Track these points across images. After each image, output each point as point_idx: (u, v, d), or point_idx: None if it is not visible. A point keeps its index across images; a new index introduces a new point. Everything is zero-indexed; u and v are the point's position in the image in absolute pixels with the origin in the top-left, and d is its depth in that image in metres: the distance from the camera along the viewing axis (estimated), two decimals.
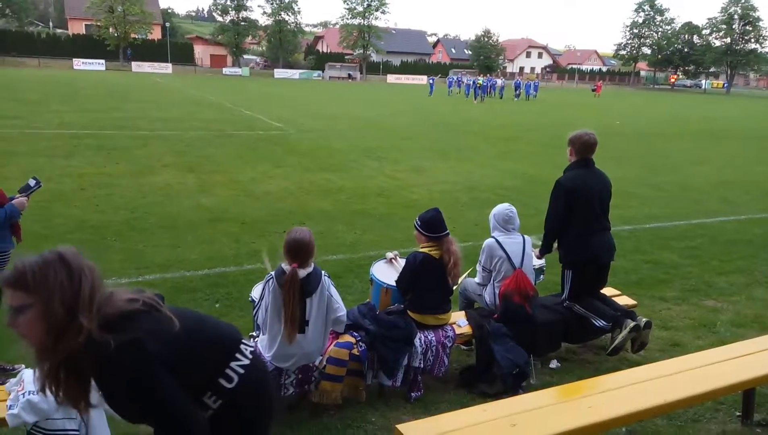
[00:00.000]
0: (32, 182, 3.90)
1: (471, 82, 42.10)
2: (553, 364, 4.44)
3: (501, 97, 44.00)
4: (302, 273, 3.42)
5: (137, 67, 59.55)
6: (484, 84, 40.64)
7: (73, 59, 58.20)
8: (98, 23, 63.37)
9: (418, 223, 4.12)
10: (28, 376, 3.11)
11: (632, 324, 4.23)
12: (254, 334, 3.97)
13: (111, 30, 62.77)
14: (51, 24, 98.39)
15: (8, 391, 3.14)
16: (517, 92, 42.84)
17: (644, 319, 4.30)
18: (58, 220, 7.55)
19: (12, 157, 11.34)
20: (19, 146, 12.59)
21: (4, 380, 3.51)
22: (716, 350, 3.77)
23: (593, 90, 55.27)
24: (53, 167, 10.71)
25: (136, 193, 9.18)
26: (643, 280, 6.34)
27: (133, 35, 64.01)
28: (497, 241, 4.36)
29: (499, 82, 48.80)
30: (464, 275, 4.57)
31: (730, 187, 12.14)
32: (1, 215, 3.67)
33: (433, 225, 4.06)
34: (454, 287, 4.21)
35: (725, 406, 3.93)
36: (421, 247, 4.09)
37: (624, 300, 4.93)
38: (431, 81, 46.63)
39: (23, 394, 2.99)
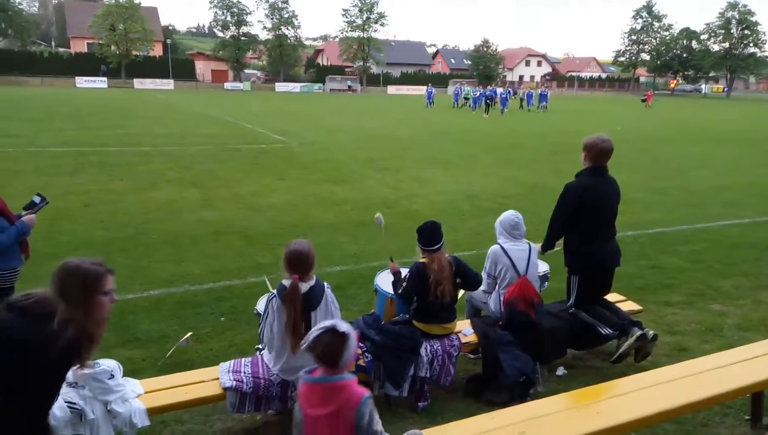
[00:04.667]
0: (37, 199, 3.91)
1: (477, 93, 40.17)
2: (560, 371, 4.43)
3: (521, 108, 41.32)
4: (305, 287, 3.43)
5: (139, 84, 59.97)
6: (503, 95, 37.36)
7: (76, 77, 58.70)
8: (100, 41, 63.99)
9: (416, 234, 4.15)
10: None
11: (638, 333, 4.22)
12: (260, 346, 3.97)
13: (113, 48, 63.34)
14: (53, 43, 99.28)
15: None
16: (530, 102, 40.96)
17: (651, 332, 4.28)
18: (64, 237, 7.58)
19: (16, 175, 11.41)
20: (24, 165, 12.67)
21: None
22: (723, 354, 3.76)
23: (643, 100, 49.23)
24: (58, 185, 10.78)
25: (140, 209, 9.22)
26: (647, 286, 6.33)
27: (134, 52, 64.57)
28: (502, 247, 4.37)
29: (521, 92, 45.82)
30: (460, 294, 4.50)
31: (733, 190, 12.13)
32: (13, 233, 3.69)
33: (426, 237, 4.09)
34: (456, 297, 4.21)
35: (734, 410, 3.91)
36: (422, 258, 4.12)
37: (629, 305, 4.93)
38: (430, 90, 43.83)
39: None
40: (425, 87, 46.41)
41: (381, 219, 4.36)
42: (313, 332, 2.45)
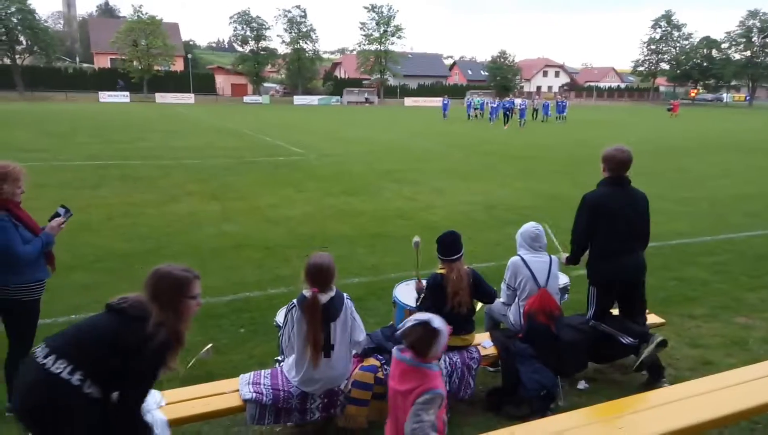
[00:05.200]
0: (61, 211, 3.97)
1: (495, 104, 39.71)
2: (581, 384, 4.37)
3: (533, 118, 40.32)
4: (324, 298, 3.44)
5: (161, 98, 61.04)
6: (522, 106, 36.56)
7: (99, 92, 59.95)
8: (123, 57, 65.30)
9: (436, 244, 4.16)
10: None
11: (659, 338, 4.17)
12: (279, 358, 3.99)
13: (135, 63, 64.59)
14: (77, 59, 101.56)
15: None
16: (547, 113, 40.06)
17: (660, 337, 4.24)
18: (86, 249, 7.71)
19: (41, 189, 11.64)
20: (48, 178, 12.93)
21: None
22: (749, 368, 3.68)
23: (669, 109, 48.79)
24: (81, 198, 10.97)
25: (161, 222, 9.34)
26: (670, 298, 6.24)
27: (156, 67, 65.75)
28: (522, 259, 4.34)
29: (536, 103, 44.32)
30: (478, 307, 4.49)
31: (755, 200, 11.92)
32: (38, 245, 3.76)
33: (443, 247, 4.09)
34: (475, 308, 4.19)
35: (761, 426, 3.82)
36: (439, 269, 4.12)
37: (652, 318, 4.85)
38: (445, 102, 43.22)
39: None
40: (441, 99, 46.09)
41: (419, 242, 4.42)
42: (408, 322, 2.68)
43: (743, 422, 3.77)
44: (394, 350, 2.76)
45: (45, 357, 2.52)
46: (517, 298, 4.38)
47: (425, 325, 2.63)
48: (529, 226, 4.45)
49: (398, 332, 2.71)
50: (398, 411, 2.68)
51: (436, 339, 2.63)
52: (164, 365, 2.63)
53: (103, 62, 74.14)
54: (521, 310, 4.31)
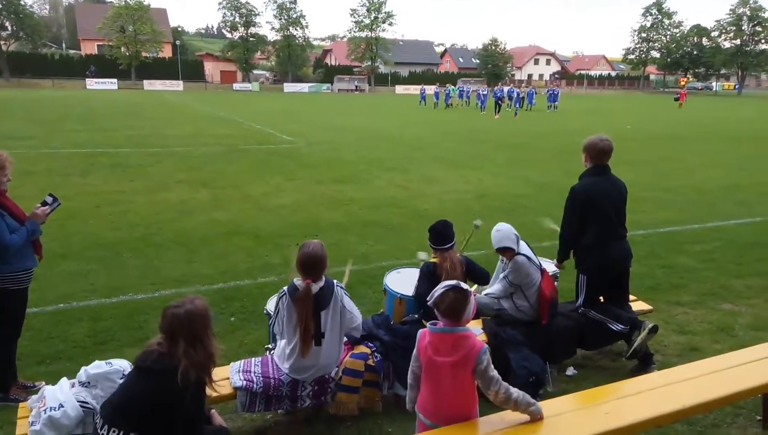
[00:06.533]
0: (49, 199, 3.93)
1: (485, 93, 39.24)
2: (570, 371, 4.42)
3: (528, 109, 39.20)
4: (315, 287, 3.44)
5: (149, 85, 60.39)
6: (511, 94, 36.01)
7: (86, 79, 59.18)
8: (110, 43, 64.43)
9: (428, 233, 4.16)
10: (49, 392, 3.16)
11: (651, 325, 4.21)
12: (270, 346, 4.00)
13: (123, 49, 63.76)
14: (64, 45, 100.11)
15: (30, 407, 3.19)
16: (531, 102, 39.45)
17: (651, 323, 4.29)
18: (75, 237, 7.66)
19: (29, 176, 11.53)
20: (36, 166, 12.81)
21: (26, 397, 3.57)
22: (735, 354, 3.73)
23: (676, 99, 45.63)
24: (69, 186, 10.88)
25: (150, 210, 9.29)
26: (658, 285, 6.30)
27: (144, 54, 64.97)
28: (527, 256, 4.31)
29: (523, 91, 42.23)
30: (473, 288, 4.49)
31: (745, 189, 12.02)
32: (23, 233, 3.73)
33: (436, 237, 4.10)
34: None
35: (745, 411, 3.88)
36: (432, 257, 4.13)
37: (639, 305, 4.91)
38: (436, 91, 42.03)
39: (45, 410, 3.04)
40: (433, 87, 45.39)
41: (479, 225, 4.50)
42: (438, 290, 2.74)
43: (729, 407, 3.83)
44: (430, 327, 2.79)
45: (101, 428, 2.61)
46: (523, 291, 4.35)
47: (455, 288, 2.72)
48: (505, 228, 4.36)
49: (430, 302, 2.76)
50: (442, 381, 2.74)
51: (467, 300, 2.72)
52: (205, 397, 2.72)
53: (90, 49, 73.10)
54: (531, 300, 4.31)
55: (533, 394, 3.87)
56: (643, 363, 4.36)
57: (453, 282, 2.77)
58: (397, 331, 4.00)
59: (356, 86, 70.18)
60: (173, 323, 2.62)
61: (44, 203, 3.92)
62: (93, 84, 58.16)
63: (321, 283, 3.48)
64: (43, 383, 3.91)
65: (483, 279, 4.37)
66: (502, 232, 4.34)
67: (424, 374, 2.81)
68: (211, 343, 2.71)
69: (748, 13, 79.30)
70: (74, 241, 7.49)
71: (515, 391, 2.77)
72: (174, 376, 2.52)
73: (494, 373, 2.73)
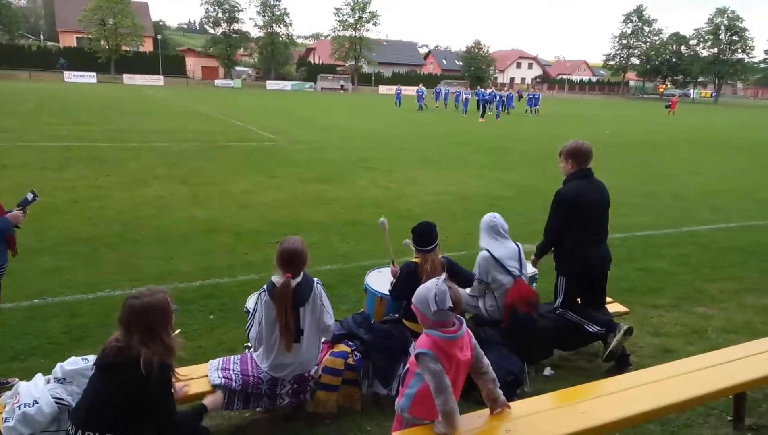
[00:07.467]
0: (30, 196, 3.92)
1: (463, 94, 39.14)
2: (547, 371, 4.47)
3: (507, 112, 39.05)
4: (293, 283, 3.43)
5: (129, 79, 59.54)
6: (491, 96, 35.52)
7: (64, 72, 58.14)
8: (90, 36, 63.42)
9: (412, 234, 4.17)
10: (23, 389, 3.11)
11: (625, 327, 4.28)
12: (248, 344, 3.97)
13: (102, 43, 62.80)
14: (42, 37, 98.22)
15: (4, 403, 3.13)
16: (510, 105, 39.36)
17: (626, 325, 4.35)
18: (51, 232, 7.53)
19: (4, 170, 11.30)
20: (11, 159, 12.56)
21: None
22: (707, 355, 3.81)
23: (667, 106, 46.50)
24: (45, 180, 10.69)
25: (128, 206, 9.16)
26: (635, 288, 6.40)
27: (124, 48, 64.07)
28: (490, 253, 4.35)
29: (504, 94, 41.19)
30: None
31: (720, 195, 12.27)
32: None
33: (419, 238, 4.10)
34: None
35: (717, 411, 3.97)
36: (414, 258, 4.14)
37: (616, 307, 4.98)
38: (420, 92, 40.40)
39: (19, 406, 2.99)
40: (416, 87, 45.14)
41: (385, 223, 4.42)
42: (439, 292, 2.66)
43: (701, 407, 3.91)
44: (450, 336, 2.69)
45: (75, 434, 2.61)
46: (492, 291, 4.40)
47: (446, 285, 2.70)
48: (488, 217, 4.47)
49: (442, 306, 2.64)
50: (460, 377, 2.79)
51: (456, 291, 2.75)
52: (171, 382, 2.72)
53: (69, 41, 71.88)
54: (498, 302, 4.35)
55: (511, 393, 3.92)
56: (621, 364, 4.43)
57: (440, 281, 2.72)
58: (377, 330, 4.00)
59: (341, 86, 69.99)
60: (130, 314, 2.62)
61: (25, 200, 3.89)
62: (71, 77, 57.15)
63: (298, 279, 3.47)
64: (17, 380, 3.84)
65: (466, 282, 4.26)
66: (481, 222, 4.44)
67: (452, 377, 2.73)
68: (170, 336, 2.70)
69: (725, 22, 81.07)
70: (50, 236, 7.37)
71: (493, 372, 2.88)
72: (137, 366, 2.52)
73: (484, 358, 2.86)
